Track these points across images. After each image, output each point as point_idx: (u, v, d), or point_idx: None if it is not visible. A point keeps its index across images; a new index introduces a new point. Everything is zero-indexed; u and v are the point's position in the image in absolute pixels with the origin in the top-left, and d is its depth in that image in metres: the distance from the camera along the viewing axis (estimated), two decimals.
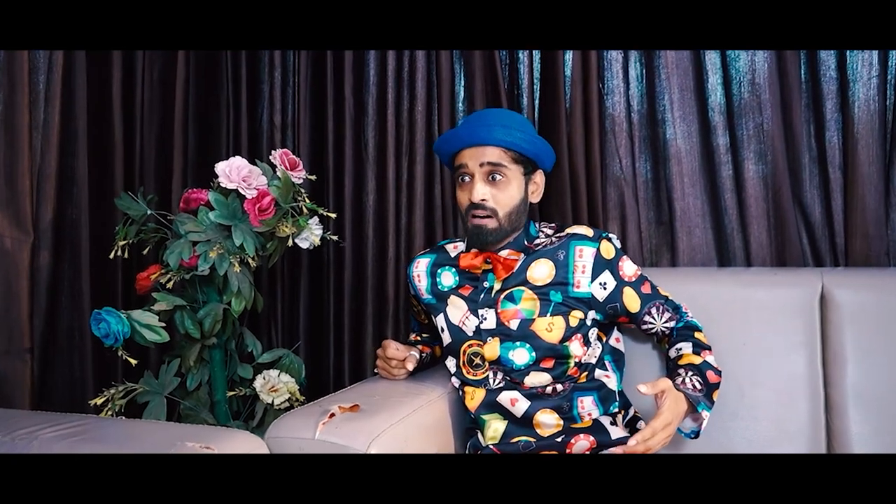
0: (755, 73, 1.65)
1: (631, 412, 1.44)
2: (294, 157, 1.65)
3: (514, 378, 1.38)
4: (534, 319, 1.37)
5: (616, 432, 1.36)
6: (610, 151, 1.76)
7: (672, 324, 1.42)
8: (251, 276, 1.67)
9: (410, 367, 1.50)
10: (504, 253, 1.41)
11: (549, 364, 1.37)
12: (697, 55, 1.70)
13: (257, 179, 1.59)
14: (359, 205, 1.95)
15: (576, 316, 1.37)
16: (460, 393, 1.46)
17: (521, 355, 1.37)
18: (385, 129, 1.92)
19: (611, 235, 1.42)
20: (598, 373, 1.41)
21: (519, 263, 1.40)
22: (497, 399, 1.38)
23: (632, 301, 1.40)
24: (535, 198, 1.45)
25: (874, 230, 1.56)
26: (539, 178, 1.45)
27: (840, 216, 1.60)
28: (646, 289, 1.42)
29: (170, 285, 1.60)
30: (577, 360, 1.37)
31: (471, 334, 1.42)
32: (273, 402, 1.65)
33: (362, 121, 1.96)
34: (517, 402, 1.37)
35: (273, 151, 1.63)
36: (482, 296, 1.43)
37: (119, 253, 1.66)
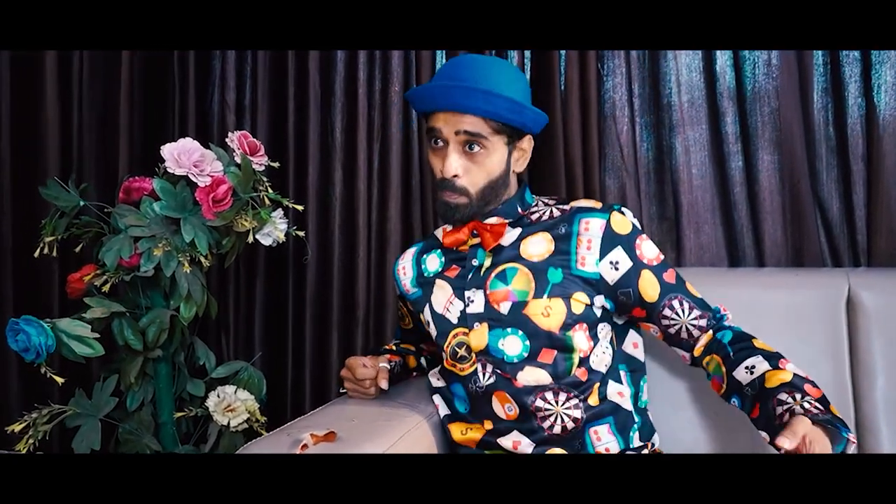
0: (770, 55, 1.53)
1: (655, 442, 1.27)
2: (254, 140, 1.46)
3: (505, 372, 1.21)
4: (527, 302, 1.20)
5: None
6: (610, 138, 1.63)
7: (703, 323, 1.21)
8: (203, 278, 1.47)
9: (385, 385, 1.32)
10: (491, 220, 1.27)
11: (549, 358, 1.20)
12: None
13: (211, 165, 1.41)
14: (324, 197, 1.78)
15: (579, 300, 1.20)
16: (445, 430, 1.30)
17: (512, 344, 1.21)
18: (355, 110, 1.77)
19: (625, 209, 1.24)
20: (610, 388, 1.23)
21: (511, 235, 1.26)
22: (497, 441, 1.22)
23: (649, 287, 1.21)
24: (520, 166, 1.29)
25: None
26: (526, 143, 1.29)
27: (862, 212, 1.52)
28: (669, 277, 1.22)
29: (106, 288, 1.40)
30: (581, 355, 1.19)
31: (455, 321, 1.27)
32: (229, 423, 1.47)
33: (329, 101, 1.78)
34: (520, 446, 1.20)
35: (230, 134, 1.44)
36: (470, 275, 1.27)
37: (46, 251, 1.45)
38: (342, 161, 1.79)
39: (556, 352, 1.19)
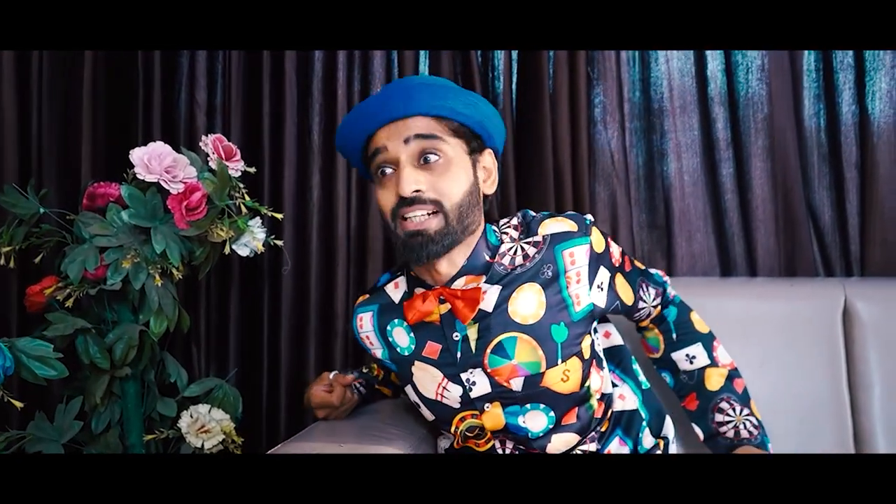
0: (763, 60, 1.50)
1: (668, 434, 1.20)
2: (230, 144, 1.39)
3: (530, 448, 1.10)
4: (542, 374, 1.05)
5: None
6: (600, 144, 1.58)
7: (658, 301, 1.20)
8: (174, 291, 1.38)
9: (346, 379, 1.22)
10: (459, 283, 1.07)
11: (573, 417, 1.09)
12: None
13: (185, 170, 1.33)
14: (301, 202, 1.69)
15: (587, 345, 1.09)
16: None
17: (536, 420, 1.08)
18: (334, 111, 1.69)
19: (588, 217, 1.11)
20: (615, 401, 1.17)
21: (491, 295, 1.06)
22: None
23: (624, 290, 1.13)
24: (489, 188, 1.11)
25: (894, 238, 1.44)
26: (489, 160, 1.10)
27: (855, 221, 1.51)
28: (627, 265, 1.16)
29: (70, 303, 1.31)
30: (598, 395, 1.11)
31: (458, 406, 1.11)
32: (203, 445, 1.39)
33: (306, 101, 1.69)
34: None
35: (204, 137, 1.37)
36: (459, 354, 1.08)
37: (3, 262, 1.36)
38: (320, 165, 1.71)
39: (577, 408, 1.09)
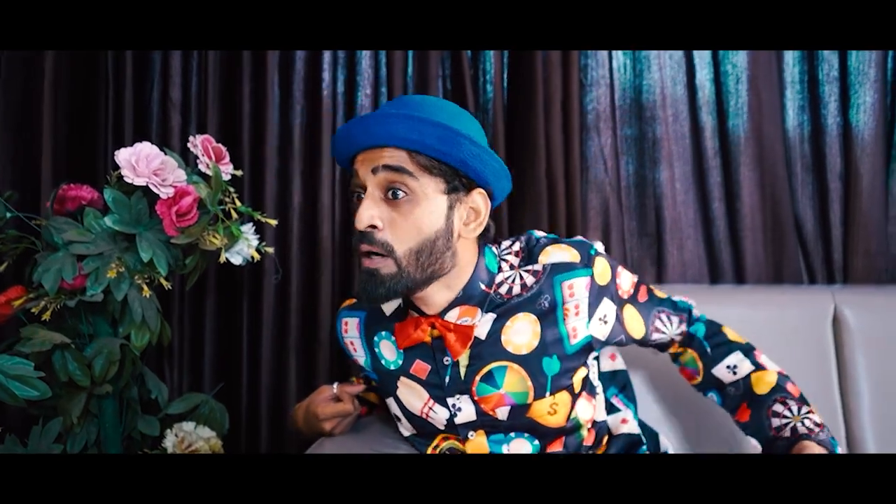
0: (749, 70, 1.54)
1: (662, 444, 1.22)
2: (219, 145, 1.31)
3: None
4: (529, 405, 1.04)
5: None
6: (593, 151, 1.58)
7: (684, 328, 1.15)
8: (157, 302, 1.30)
9: (354, 388, 1.17)
10: (452, 316, 1.03)
11: (560, 446, 1.09)
12: None
13: (174, 174, 1.24)
14: (283, 208, 1.63)
15: (579, 379, 1.07)
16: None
17: (520, 447, 1.07)
18: (318, 113, 1.64)
19: (597, 247, 1.07)
20: (612, 422, 1.16)
21: (486, 323, 1.03)
22: None
23: (634, 322, 1.10)
24: (471, 231, 1.02)
25: (876, 246, 1.50)
26: (478, 200, 1.02)
27: (839, 230, 1.56)
28: (643, 296, 1.12)
29: (46, 315, 1.21)
30: (588, 425, 1.10)
31: (442, 427, 1.09)
32: None
33: (288, 102, 1.63)
34: None
35: (192, 138, 1.29)
36: (447, 378, 1.06)
37: None
38: (301, 169, 1.65)
39: (565, 437, 1.08)
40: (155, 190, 1.22)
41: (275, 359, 1.63)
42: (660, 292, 1.16)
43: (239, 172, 1.41)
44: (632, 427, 1.17)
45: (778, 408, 1.06)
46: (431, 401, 1.07)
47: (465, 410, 1.05)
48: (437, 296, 1.02)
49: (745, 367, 1.12)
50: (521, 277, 1.04)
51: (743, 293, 1.53)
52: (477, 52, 1.63)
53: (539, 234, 1.11)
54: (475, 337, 1.03)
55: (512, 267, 1.06)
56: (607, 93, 1.59)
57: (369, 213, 0.96)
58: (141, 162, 1.22)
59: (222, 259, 1.27)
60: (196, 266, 1.32)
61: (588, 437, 1.10)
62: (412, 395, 1.09)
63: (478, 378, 1.03)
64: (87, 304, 1.29)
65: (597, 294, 1.03)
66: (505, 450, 1.07)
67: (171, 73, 1.64)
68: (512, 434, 1.06)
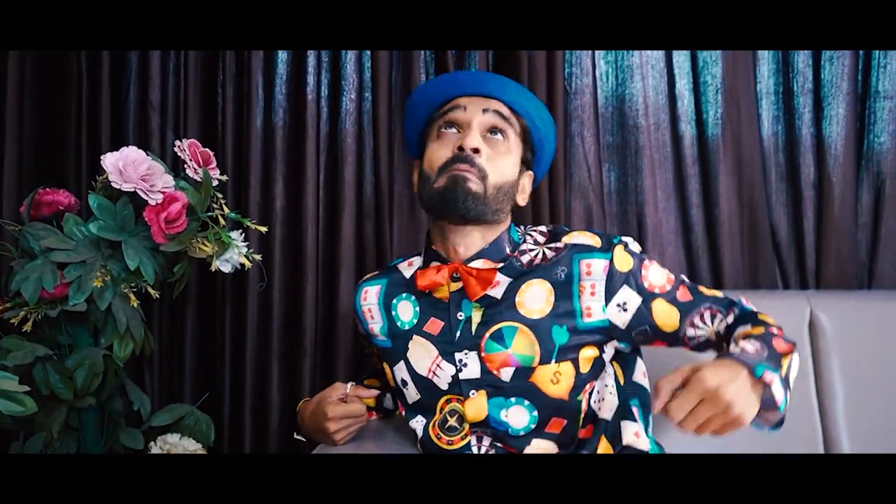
0: (727, 81, 1.57)
1: None
2: (206, 150, 1.28)
3: (508, 445, 1.09)
4: (533, 368, 1.06)
5: None
6: (577, 158, 1.59)
7: (730, 320, 1.09)
8: (141, 311, 1.27)
9: (365, 392, 1.19)
10: (477, 264, 1.10)
11: (558, 427, 1.09)
12: (669, 53, 1.60)
13: (162, 179, 1.21)
14: (266, 213, 1.60)
15: (588, 357, 1.08)
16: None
17: (518, 416, 1.08)
18: (302, 116, 1.60)
19: (626, 240, 1.13)
20: (626, 430, 1.11)
21: (502, 285, 1.09)
22: None
23: (666, 318, 1.08)
24: (522, 199, 1.19)
25: (847, 253, 1.55)
26: (527, 180, 1.19)
27: (812, 237, 1.60)
28: (683, 295, 1.10)
29: (27, 326, 1.16)
30: (583, 414, 1.10)
31: (445, 387, 1.11)
32: None
33: (270, 104, 1.60)
34: None
35: (178, 142, 1.26)
36: (459, 333, 1.10)
37: None
38: (284, 173, 1.62)
39: (565, 421, 1.08)
40: (143, 196, 1.18)
41: (258, 367, 1.59)
42: (711, 291, 1.13)
43: (224, 177, 1.38)
44: (643, 444, 1.13)
45: (738, 340, 0.99)
46: (440, 357, 1.11)
47: (471, 367, 1.09)
48: (463, 246, 1.11)
49: (742, 329, 1.05)
50: (544, 253, 1.12)
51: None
52: (462, 57, 1.63)
53: (566, 227, 1.18)
54: (491, 296, 1.09)
55: (536, 243, 1.14)
56: (591, 101, 1.60)
57: (479, 139, 1.07)
58: (128, 167, 1.18)
59: (214, 267, 1.24)
60: (183, 275, 1.29)
61: (584, 432, 1.10)
62: (422, 354, 1.13)
63: (487, 335, 1.08)
64: (68, 314, 1.24)
65: (616, 279, 1.07)
66: (503, 415, 1.08)
67: (149, 73, 1.58)
68: (512, 399, 1.08)
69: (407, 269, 1.21)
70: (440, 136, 1.11)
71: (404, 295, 1.17)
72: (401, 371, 1.15)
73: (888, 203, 1.57)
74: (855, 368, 1.44)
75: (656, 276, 1.10)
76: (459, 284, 1.10)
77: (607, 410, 1.12)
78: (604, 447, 1.11)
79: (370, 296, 1.21)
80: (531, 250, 1.13)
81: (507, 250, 1.12)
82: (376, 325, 1.19)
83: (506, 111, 1.11)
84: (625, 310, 1.07)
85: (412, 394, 1.15)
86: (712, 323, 1.09)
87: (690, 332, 1.10)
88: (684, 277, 1.14)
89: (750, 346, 0.95)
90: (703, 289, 1.13)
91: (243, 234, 1.31)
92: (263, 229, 1.34)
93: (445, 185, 1.06)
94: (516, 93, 1.11)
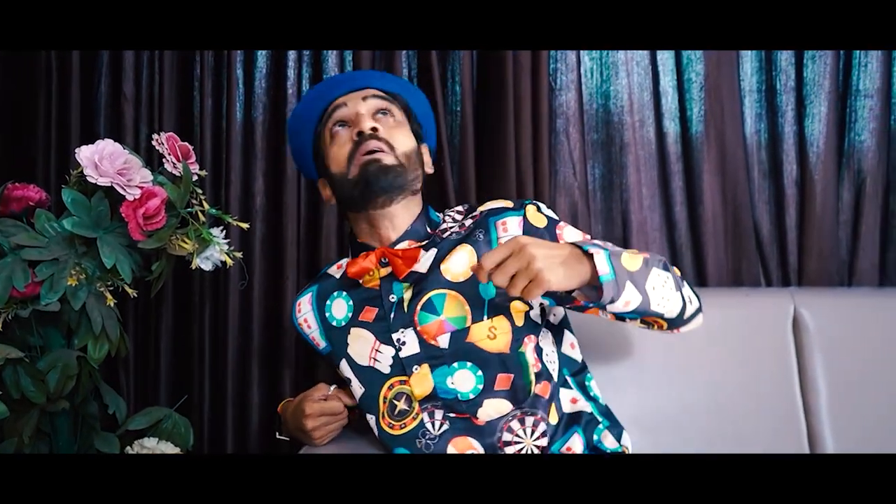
0: (711, 78, 1.57)
1: (627, 444, 1.19)
2: (185, 143, 1.24)
3: (461, 412, 1.08)
4: (468, 328, 1.08)
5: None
6: (562, 155, 1.57)
7: None
8: (117, 311, 1.22)
9: (348, 399, 1.16)
10: (402, 246, 1.15)
11: (507, 384, 1.08)
12: (653, 51, 1.59)
13: (139, 173, 1.16)
14: (245, 210, 1.55)
15: (518, 310, 1.10)
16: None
17: (464, 379, 1.08)
18: (282, 111, 1.56)
19: (539, 203, 1.18)
20: (562, 397, 1.14)
21: (427, 259, 1.13)
22: None
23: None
24: (429, 168, 1.26)
25: (828, 250, 1.56)
26: (425, 150, 1.25)
27: (794, 234, 1.60)
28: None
29: None
30: (535, 370, 1.09)
31: (388, 370, 1.12)
32: None
33: (250, 99, 1.55)
34: None
35: (156, 135, 1.21)
36: (392, 315, 1.13)
37: None
38: (264, 170, 1.58)
39: (512, 375, 1.08)
40: (120, 191, 1.13)
41: (238, 367, 1.54)
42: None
43: (203, 173, 1.33)
44: (582, 406, 1.16)
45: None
46: (377, 342, 1.13)
47: (409, 344, 1.10)
48: (387, 228, 1.14)
49: None
50: (462, 225, 1.17)
51: (707, 296, 1.55)
52: (445, 52, 1.60)
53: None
54: (416, 272, 1.12)
55: (454, 220, 1.19)
56: (576, 97, 1.58)
57: (370, 121, 1.13)
58: (104, 161, 1.13)
59: (194, 265, 1.19)
60: (162, 273, 1.24)
61: (540, 389, 1.09)
62: (360, 344, 1.15)
63: (419, 307, 1.10)
64: (40, 314, 1.18)
65: (531, 234, 1.10)
66: (449, 382, 1.08)
67: (123, 65, 1.52)
68: (455, 365, 1.08)
69: (336, 270, 1.25)
70: (333, 137, 1.16)
71: (335, 294, 1.20)
72: (345, 369, 1.17)
73: (868, 201, 1.57)
74: (838, 365, 1.44)
75: (571, 234, 1.14)
76: (389, 269, 1.14)
77: (555, 373, 1.14)
78: (553, 414, 1.11)
79: (304, 306, 1.24)
80: (450, 226, 1.18)
81: (428, 230, 1.17)
82: (314, 332, 1.22)
83: (383, 95, 1.17)
84: None
85: (356, 389, 1.16)
86: None
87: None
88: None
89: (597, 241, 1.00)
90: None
91: (224, 232, 1.26)
92: (245, 226, 1.29)
93: (360, 170, 1.11)
94: (383, 79, 1.20)
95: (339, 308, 1.18)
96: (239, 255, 1.31)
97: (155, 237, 1.15)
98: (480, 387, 1.07)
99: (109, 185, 1.12)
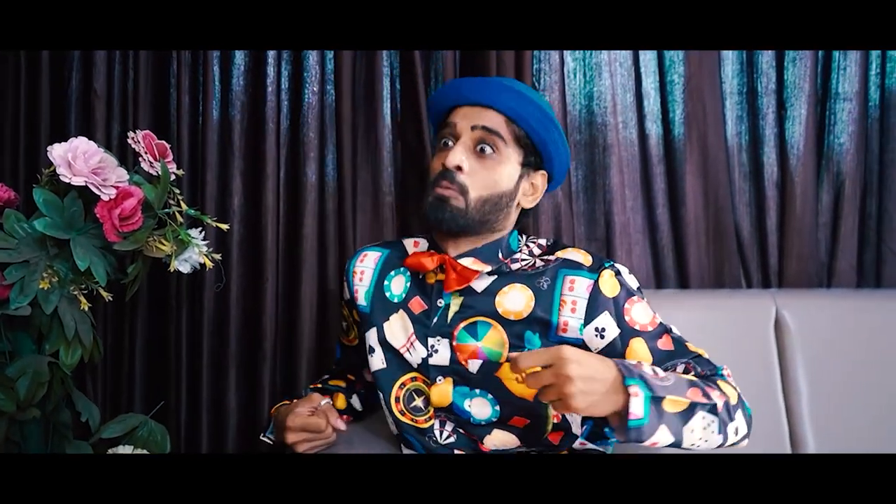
0: (693, 80, 1.57)
1: None
2: (162, 141, 1.20)
3: (470, 433, 1.10)
4: (500, 364, 1.07)
5: None
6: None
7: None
8: (91, 315, 1.18)
9: (342, 425, 1.16)
10: (466, 262, 1.12)
11: (521, 424, 1.08)
12: (636, 52, 1.59)
13: (115, 172, 1.12)
14: (223, 210, 1.51)
15: None
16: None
17: (480, 407, 1.09)
18: (261, 111, 1.52)
19: (619, 267, 1.11)
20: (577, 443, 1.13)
21: (484, 283, 1.11)
22: None
23: (638, 357, 1.05)
24: (529, 202, 1.17)
25: (808, 251, 1.57)
26: (540, 179, 1.17)
27: (775, 236, 1.61)
28: (665, 344, 1.06)
29: None
30: (555, 420, 1.09)
31: (415, 366, 1.13)
32: None
33: (228, 97, 1.51)
34: None
35: (131, 133, 1.17)
36: (435, 319, 1.12)
37: None
38: (242, 169, 1.54)
39: (528, 420, 1.08)
40: (95, 191, 1.09)
41: (215, 372, 1.50)
42: (693, 346, 1.09)
43: (181, 172, 1.29)
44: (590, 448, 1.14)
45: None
46: (414, 337, 1.13)
47: (441, 353, 1.10)
48: (464, 244, 1.13)
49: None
50: (535, 263, 1.13)
51: (689, 298, 1.56)
52: (428, 52, 1.58)
53: (565, 243, 1.19)
54: (472, 287, 1.11)
55: (531, 254, 1.15)
56: (560, 98, 1.57)
57: (460, 156, 1.08)
58: (78, 159, 1.09)
59: (172, 267, 1.15)
60: (137, 276, 1.20)
61: (554, 437, 1.09)
62: (399, 328, 1.15)
63: (461, 325, 1.10)
64: (9, 319, 1.14)
65: (598, 302, 1.06)
66: (467, 404, 1.09)
67: (94, 60, 1.47)
68: (477, 391, 1.09)
69: (411, 246, 1.24)
70: (440, 148, 1.13)
71: (401, 269, 1.19)
72: (371, 337, 1.17)
73: (847, 203, 1.59)
74: (819, 365, 1.46)
75: (640, 313, 1.08)
76: (442, 274, 1.13)
77: (577, 425, 1.11)
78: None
79: (368, 260, 1.24)
80: (524, 260, 1.14)
81: (501, 256, 1.14)
82: (362, 287, 1.21)
83: (497, 122, 1.09)
84: (602, 336, 1.06)
85: (377, 362, 1.16)
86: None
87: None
88: (673, 328, 1.10)
89: (652, 369, 0.93)
90: (689, 344, 1.09)
91: (203, 233, 1.22)
92: (225, 227, 1.26)
93: (431, 202, 1.09)
94: (514, 100, 1.09)
95: (398, 284, 1.18)
96: (218, 256, 1.27)
97: (131, 239, 1.11)
98: (495, 419, 1.08)
99: (84, 184, 1.08)
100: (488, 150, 1.09)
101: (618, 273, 1.09)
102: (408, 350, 1.13)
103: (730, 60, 1.62)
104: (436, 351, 1.11)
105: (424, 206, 1.11)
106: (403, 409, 1.13)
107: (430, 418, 1.11)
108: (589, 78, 1.60)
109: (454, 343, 1.09)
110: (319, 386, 1.30)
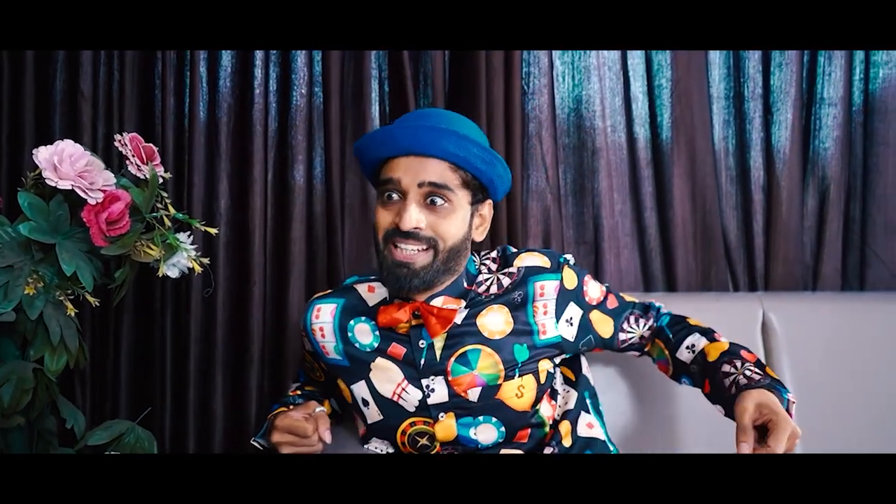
0: (680, 84, 1.58)
1: None
2: (150, 144, 1.18)
3: None
4: (499, 386, 1.10)
5: None
6: (535, 160, 1.56)
7: (651, 323, 1.22)
8: (77, 321, 1.16)
9: (329, 437, 1.12)
10: (437, 302, 1.11)
11: (524, 437, 1.15)
12: (625, 56, 1.59)
13: (102, 176, 1.10)
14: (209, 213, 1.50)
15: (544, 369, 1.14)
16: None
17: (486, 433, 1.12)
18: (248, 112, 1.51)
19: (567, 257, 1.19)
20: (580, 421, 1.18)
21: (461, 315, 1.12)
22: None
23: (603, 325, 1.19)
24: (480, 235, 1.16)
25: (794, 255, 1.59)
26: (487, 210, 1.17)
27: (761, 239, 1.62)
28: (612, 303, 1.21)
29: None
30: (550, 421, 1.16)
31: (413, 410, 1.13)
32: None
33: (215, 99, 1.50)
34: None
35: (118, 135, 1.15)
36: (423, 359, 1.12)
37: None
38: (229, 171, 1.52)
39: (530, 430, 1.15)
40: (81, 194, 1.07)
41: (201, 377, 1.48)
42: (630, 297, 1.25)
43: (168, 175, 1.28)
44: (597, 433, 1.19)
45: (726, 368, 1.08)
46: (405, 381, 1.12)
47: (439, 391, 1.11)
48: (431, 290, 1.11)
49: (700, 343, 1.16)
50: (499, 279, 1.15)
51: (677, 301, 1.57)
52: (417, 52, 1.57)
53: (511, 248, 1.22)
54: (452, 322, 1.11)
55: (490, 271, 1.17)
56: (548, 101, 1.57)
57: (416, 216, 1.04)
58: (64, 162, 1.07)
59: (161, 272, 1.14)
60: (125, 281, 1.18)
61: (550, 436, 1.15)
62: (386, 378, 1.13)
63: (453, 359, 1.10)
64: None
65: (564, 297, 1.14)
66: (472, 433, 1.11)
67: (80, 60, 1.45)
68: (480, 418, 1.11)
69: (368, 294, 1.20)
70: (384, 202, 1.08)
71: (362, 319, 1.17)
72: (361, 390, 1.16)
73: (832, 207, 1.61)
74: (804, 368, 1.47)
75: (594, 289, 1.20)
76: (419, 320, 1.11)
77: (573, 403, 1.19)
78: (567, 439, 1.15)
79: (323, 314, 1.19)
80: (486, 279, 1.16)
81: (465, 285, 1.14)
82: (329, 343, 1.18)
83: (442, 172, 1.05)
84: (571, 324, 1.15)
85: (373, 414, 1.16)
86: (638, 326, 1.22)
87: (622, 336, 1.21)
88: (608, 284, 1.25)
89: (754, 374, 1.05)
90: (623, 294, 1.25)
91: (191, 237, 1.21)
92: (214, 231, 1.24)
93: (390, 267, 1.06)
94: (455, 145, 1.04)
95: (364, 334, 1.16)
96: (206, 261, 1.26)
97: (118, 243, 1.09)
98: (502, 440, 1.13)
99: (70, 188, 1.06)
100: (439, 201, 1.05)
101: (570, 264, 1.18)
102: (400, 396, 1.13)
103: (717, 65, 1.63)
104: (433, 390, 1.11)
105: (381, 261, 1.08)
106: (411, 450, 1.15)
107: (435, 451, 1.14)
108: (577, 81, 1.61)
109: (449, 378, 1.10)
110: (299, 392, 1.29)
